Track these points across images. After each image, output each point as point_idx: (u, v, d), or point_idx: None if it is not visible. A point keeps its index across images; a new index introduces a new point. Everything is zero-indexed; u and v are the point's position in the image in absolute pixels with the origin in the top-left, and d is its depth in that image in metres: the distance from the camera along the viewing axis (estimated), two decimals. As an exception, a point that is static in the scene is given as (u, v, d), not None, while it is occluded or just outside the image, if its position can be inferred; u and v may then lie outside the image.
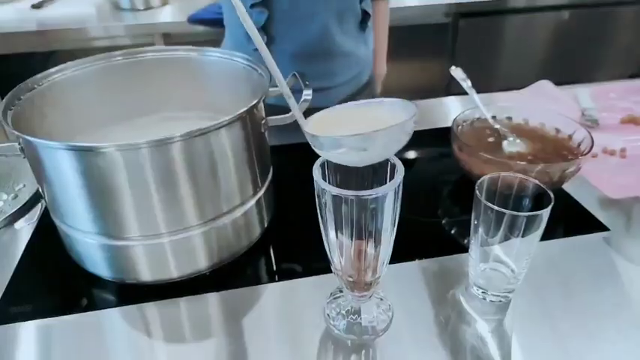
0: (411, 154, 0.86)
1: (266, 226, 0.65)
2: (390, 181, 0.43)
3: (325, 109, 0.48)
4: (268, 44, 0.94)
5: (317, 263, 0.60)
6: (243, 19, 0.43)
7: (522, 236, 0.48)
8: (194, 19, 1.67)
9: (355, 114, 0.47)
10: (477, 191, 0.49)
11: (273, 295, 0.57)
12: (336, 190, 0.41)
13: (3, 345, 0.52)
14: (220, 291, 0.57)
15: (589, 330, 0.52)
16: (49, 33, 1.67)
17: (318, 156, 0.45)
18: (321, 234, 0.48)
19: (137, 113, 0.64)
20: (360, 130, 0.39)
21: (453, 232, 0.67)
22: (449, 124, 0.74)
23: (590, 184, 0.74)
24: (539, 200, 0.50)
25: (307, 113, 0.59)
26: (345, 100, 1.09)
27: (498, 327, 0.52)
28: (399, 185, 0.41)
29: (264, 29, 0.91)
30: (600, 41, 2.11)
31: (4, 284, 0.59)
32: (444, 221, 0.69)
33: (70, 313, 0.55)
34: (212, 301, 0.57)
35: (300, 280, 0.59)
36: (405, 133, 0.41)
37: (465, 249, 0.62)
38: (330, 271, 0.50)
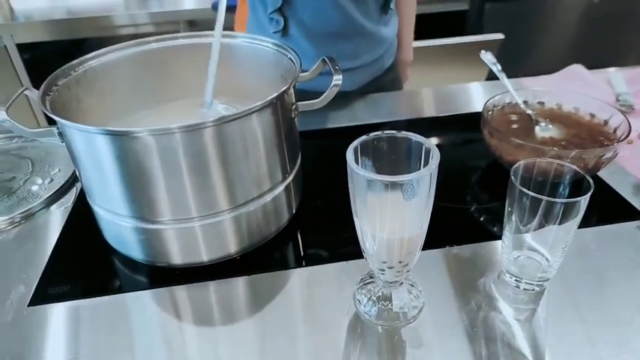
0: (437, 140, 0.85)
1: (294, 211, 0.65)
2: (424, 165, 0.43)
3: None
4: (286, 25, 0.93)
5: (345, 249, 0.60)
6: None
7: (559, 224, 0.47)
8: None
9: None
10: (513, 177, 0.49)
11: (301, 279, 0.58)
12: (370, 175, 0.40)
13: (39, 324, 0.54)
14: (250, 275, 0.58)
15: (622, 321, 0.50)
16: (78, 21, 1.69)
17: (345, 142, 0.44)
18: (348, 220, 0.47)
19: (168, 98, 0.65)
20: None
21: (482, 219, 0.67)
22: (473, 109, 0.72)
23: (624, 171, 0.72)
24: (575, 187, 0.49)
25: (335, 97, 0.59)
26: (370, 83, 1.08)
27: (530, 316, 0.52)
28: (435, 170, 0.41)
29: (280, 10, 0.91)
30: (633, 23, 2.04)
31: (42, 266, 0.61)
32: (472, 208, 0.68)
33: (103, 295, 0.57)
34: (241, 285, 0.57)
35: (328, 265, 0.59)
36: None
37: (494, 236, 0.62)
38: (358, 257, 0.50)
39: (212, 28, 0.70)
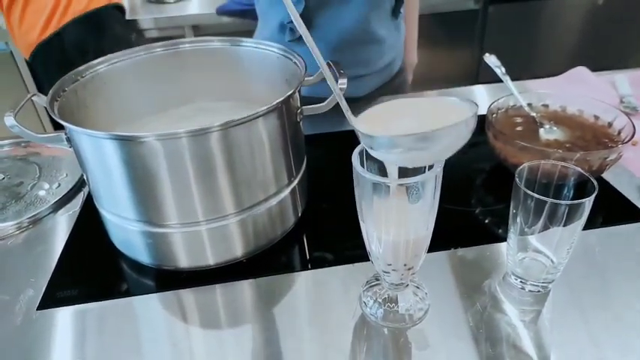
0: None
1: (300, 215, 0.66)
2: (429, 168, 0.43)
3: (375, 104, 0.44)
4: None
5: (350, 251, 0.60)
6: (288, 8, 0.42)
7: (564, 226, 0.47)
8: (223, 11, 1.68)
9: (411, 110, 0.44)
10: (517, 179, 0.49)
11: (307, 282, 0.58)
12: (375, 178, 0.41)
13: (48, 328, 0.54)
14: (256, 278, 0.58)
15: (627, 322, 0.51)
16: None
17: (350, 146, 0.45)
18: (353, 222, 0.48)
19: (174, 103, 0.65)
20: (420, 129, 0.37)
21: (487, 221, 0.67)
22: (478, 112, 0.72)
23: (629, 172, 0.73)
24: (580, 189, 0.49)
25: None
26: (379, 89, 1.08)
27: (535, 318, 0.52)
28: (440, 172, 0.41)
29: (301, 19, 0.91)
30: (637, 26, 2.04)
31: (50, 270, 0.61)
32: (477, 210, 0.69)
33: (110, 298, 0.57)
34: (247, 288, 0.58)
35: (333, 268, 0.59)
36: (468, 131, 0.39)
37: (499, 238, 0.62)
38: (363, 260, 0.50)
39: (216, 34, 0.70)
